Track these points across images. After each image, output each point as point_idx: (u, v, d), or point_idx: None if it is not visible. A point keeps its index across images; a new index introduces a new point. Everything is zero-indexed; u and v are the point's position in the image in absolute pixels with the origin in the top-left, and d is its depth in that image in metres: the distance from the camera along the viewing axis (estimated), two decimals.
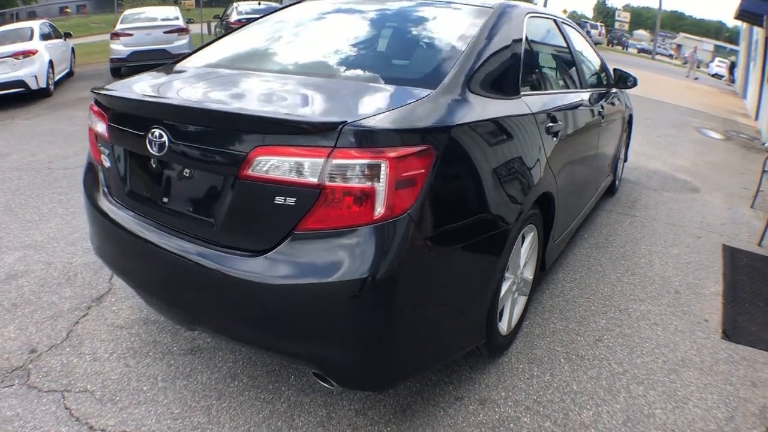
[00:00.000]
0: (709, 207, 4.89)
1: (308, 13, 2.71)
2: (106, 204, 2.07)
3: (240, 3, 14.47)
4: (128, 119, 1.88)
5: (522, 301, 2.51)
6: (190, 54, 2.56)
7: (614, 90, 3.91)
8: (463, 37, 2.11)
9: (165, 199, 1.84)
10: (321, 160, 1.48)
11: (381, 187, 1.48)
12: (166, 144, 1.71)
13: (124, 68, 10.80)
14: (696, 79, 23.10)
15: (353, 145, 1.47)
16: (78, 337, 2.42)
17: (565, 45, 3.12)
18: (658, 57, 40.42)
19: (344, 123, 1.48)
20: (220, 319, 1.75)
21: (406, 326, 1.63)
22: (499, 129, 1.98)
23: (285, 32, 2.60)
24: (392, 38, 2.31)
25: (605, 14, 70.34)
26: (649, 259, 3.59)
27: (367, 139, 1.49)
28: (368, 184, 1.48)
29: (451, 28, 2.25)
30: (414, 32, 2.33)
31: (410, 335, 1.67)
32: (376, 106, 1.68)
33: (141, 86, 2.13)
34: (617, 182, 4.93)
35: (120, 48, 10.42)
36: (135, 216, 1.94)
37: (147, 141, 1.76)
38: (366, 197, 1.49)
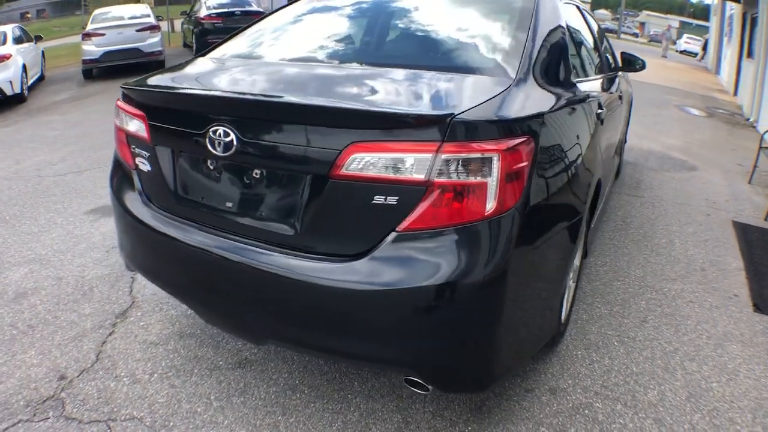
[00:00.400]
0: (710, 185, 4.94)
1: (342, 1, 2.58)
2: (144, 212, 1.89)
3: None
4: (179, 117, 1.71)
5: (572, 288, 2.48)
6: (217, 45, 2.39)
7: (620, 72, 3.92)
8: (517, 23, 2.01)
9: (228, 205, 1.67)
10: (429, 156, 1.37)
11: (493, 181, 1.40)
12: (234, 143, 1.55)
13: (96, 69, 10.41)
14: (664, 57, 23.54)
15: (464, 138, 1.37)
16: (109, 359, 2.22)
17: (587, 30, 3.09)
18: (623, 36, 41.02)
19: (452, 115, 1.37)
20: (301, 330, 1.59)
21: (507, 323, 1.53)
22: (571, 117, 1.95)
23: (321, 22, 2.44)
24: (446, 26, 2.16)
25: None
26: (669, 239, 3.62)
27: (477, 131, 1.39)
28: (480, 178, 1.39)
29: (500, 15, 2.16)
30: (466, 18, 2.20)
31: (510, 332, 1.58)
32: (469, 97, 1.57)
33: (185, 80, 1.96)
34: (621, 164, 4.96)
35: (92, 49, 9.98)
36: (186, 224, 1.77)
37: (207, 140, 1.60)
38: (477, 192, 1.39)
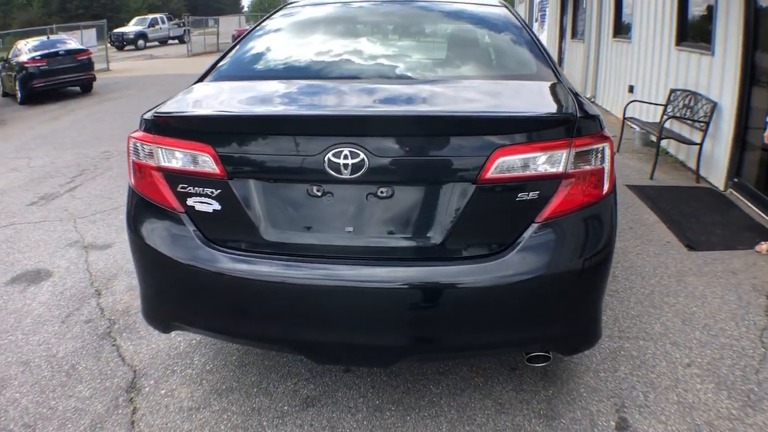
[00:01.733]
0: None
1: (341, 13, 2.60)
2: (211, 257, 1.68)
3: (25, 41, 11.74)
4: (278, 143, 1.61)
5: None
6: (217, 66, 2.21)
7: None
8: (518, 33, 2.26)
9: (349, 229, 1.61)
10: (564, 151, 1.56)
11: (607, 166, 1.65)
12: (365, 163, 1.52)
13: None
14: None
15: (586, 133, 1.60)
16: None
17: None
18: None
19: (576, 115, 1.60)
20: (447, 336, 1.63)
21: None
22: None
23: (338, 36, 2.43)
24: (464, 40, 2.37)
25: None
26: None
27: (592, 126, 1.63)
28: (600, 165, 1.62)
29: (503, 25, 2.35)
30: (472, 31, 2.40)
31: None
32: (563, 98, 1.78)
33: (253, 103, 1.85)
34: None
35: None
36: (284, 261, 1.62)
37: (325, 164, 1.53)
38: (599, 178, 1.63)
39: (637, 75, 6.75)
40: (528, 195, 1.55)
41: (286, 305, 1.65)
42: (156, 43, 27.12)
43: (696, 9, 5.37)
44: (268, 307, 1.68)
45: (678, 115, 5.12)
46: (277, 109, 1.76)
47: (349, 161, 1.52)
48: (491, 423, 1.94)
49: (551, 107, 1.75)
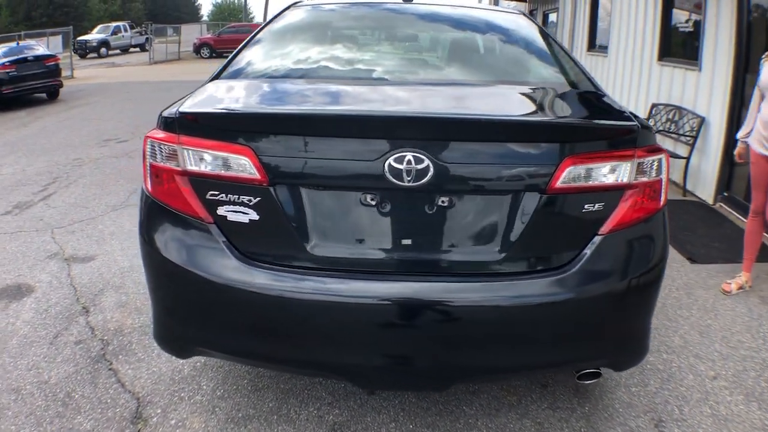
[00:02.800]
0: None
1: (359, 14, 2.48)
2: (247, 274, 1.50)
3: None
4: (332, 146, 1.45)
5: None
6: (229, 66, 2.02)
7: None
8: (547, 40, 2.26)
9: (406, 242, 1.49)
10: (629, 162, 1.51)
11: (663, 177, 1.60)
12: (430, 170, 1.41)
13: None
14: None
15: (646, 144, 1.55)
16: None
17: None
18: None
19: (638, 125, 1.54)
20: (507, 355, 1.55)
21: None
22: None
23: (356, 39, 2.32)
24: (493, 46, 2.30)
25: None
26: None
27: (649, 136, 1.59)
28: (657, 177, 1.58)
29: (531, 33, 2.33)
30: (511, 36, 2.33)
31: None
32: (612, 107, 1.73)
33: (288, 100, 1.70)
34: None
35: None
36: (332, 277, 1.47)
37: (386, 170, 1.41)
38: (656, 189, 1.58)
39: (614, 89, 6.88)
40: (594, 206, 1.49)
41: (333, 326, 1.49)
42: (118, 51, 26.41)
43: (680, 25, 5.50)
44: (313, 329, 1.51)
45: (662, 128, 5.22)
46: (332, 108, 1.61)
47: (413, 167, 1.41)
48: None
49: (613, 116, 1.65)
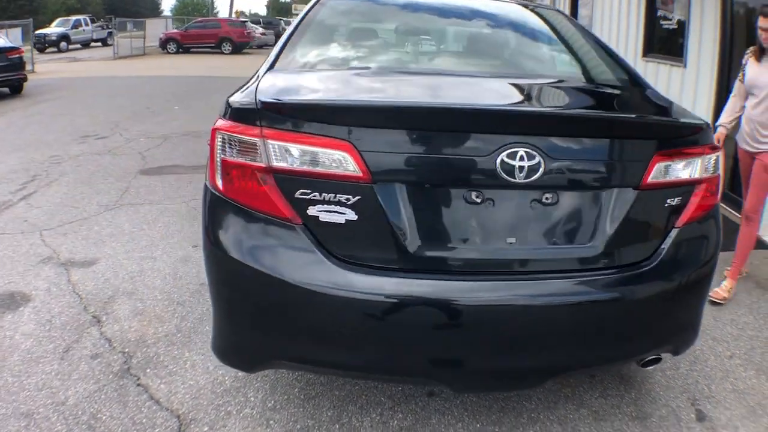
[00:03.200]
0: None
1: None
2: (345, 278, 1.39)
3: None
4: (441, 141, 1.40)
5: None
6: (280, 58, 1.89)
7: None
8: (585, 37, 2.30)
9: (511, 240, 1.45)
10: (700, 158, 1.58)
11: (720, 173, 1.68)
12: (541, 166, 1.37)
13: None
14: None
15: (710, 141, 1.63)
16: None
17: None
18: None
19: (706, 123, 1.62)
20: (596, 349, 1.56)
21: None
22: None
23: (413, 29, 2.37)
24: (545, 42, 2.35)
25: (279, 9, 71.57)
26: None
27: (711, 135, 1.66)
28: (716, 173, 1.65)
29: (566, 29, 2.39)
30: (563, 35, 2.37)
31: None
32: (680, 107, 1.80)
33: (383, 90, 1.68)
34: None
35: None
36: (436, 279, 1.41)
37: (498, 166, 1.37)
38: (716, 185, 1.66)
39: None
40: (673, 201, 1.55)
41: (435, 330, 1.41)
42: (78, 45, 25.25)
43: (665, 22, 5.48)
44: (414, 332, 1.42)
45: None
46: (443, 101, 1.55)
47: (525, 163, 1.37)
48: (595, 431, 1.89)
49: (685, 114, 1.73)
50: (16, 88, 9.90)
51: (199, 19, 27.64)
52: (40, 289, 2.72)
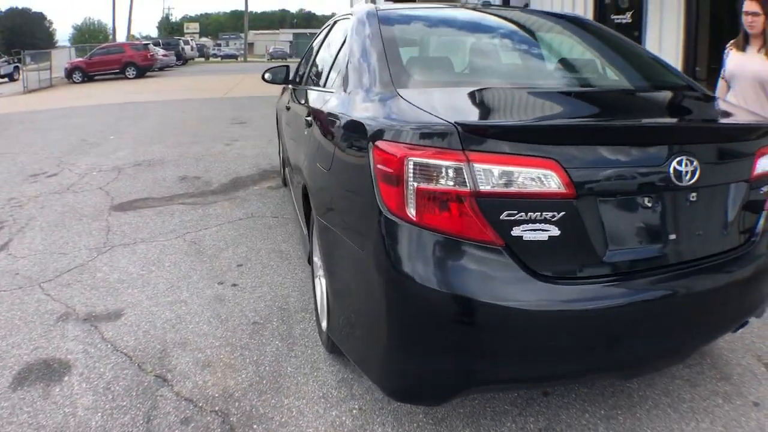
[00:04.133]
0: None
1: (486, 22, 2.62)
2: (558, 295, 1.44)
3: None
4: (627, 154, 1.53)
5: None
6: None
7: None
8: (640, 47, 2.62)
9: (672, 237, 1.60)
10: None
11: None
12: (697, 170, 1.57)
13: None
14: None
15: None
16: None
17: None
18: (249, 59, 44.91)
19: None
20: (725, 321, 1.78)
21: None
22: None
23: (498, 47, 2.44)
24: (611, 50, 2.49)
25: (171, 30, 68.62)
26: None
27: None
28: None
29: (623, 40, 2.54)
30: (625, 44, 2.53)
31: None
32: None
33: (536, 110, 1.78)
34: None
35: None
36: (622, 283, 1.52)
37: (671, 173, 1.54)
38: None
39: None
40: (764, 189, 1.79)
41: (632, 326, 1.55)
42: None
43: (617, 16, 5.64)
44: (614, 332, 1.54)
45: None
46: (623, 120, 1.74)
47: (689, 168, 1.56)
48: (700, 401, 2.04)
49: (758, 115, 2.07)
50: None
51: (102, 45, 26.22)
52: (77, 353, 2.36)
